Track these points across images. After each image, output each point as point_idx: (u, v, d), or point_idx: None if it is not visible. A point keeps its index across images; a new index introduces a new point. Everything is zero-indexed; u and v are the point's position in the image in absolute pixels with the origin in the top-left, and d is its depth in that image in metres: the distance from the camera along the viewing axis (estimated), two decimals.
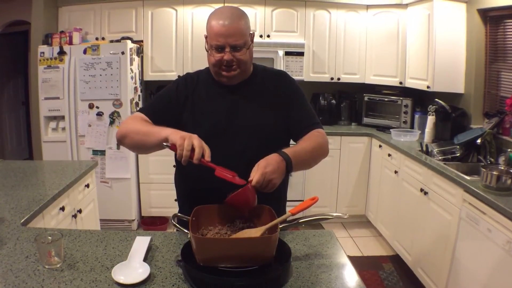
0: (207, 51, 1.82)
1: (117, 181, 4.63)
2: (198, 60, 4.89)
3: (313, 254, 1.70)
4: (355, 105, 5.43)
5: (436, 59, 4.19)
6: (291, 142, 1.94)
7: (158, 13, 4.94)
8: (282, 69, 4.52)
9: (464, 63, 4.21)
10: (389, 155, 4.34)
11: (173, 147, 1.55)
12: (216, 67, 1.82)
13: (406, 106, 4.92)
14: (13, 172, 2.95)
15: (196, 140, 1.52)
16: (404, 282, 3.78)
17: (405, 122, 4.94)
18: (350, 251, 4.37)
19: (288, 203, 2.08)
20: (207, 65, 1.90)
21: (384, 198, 4.51)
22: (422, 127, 4.52)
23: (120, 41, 4.57)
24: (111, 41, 4.66)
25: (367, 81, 5.24)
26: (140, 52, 4.91)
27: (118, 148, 4.53)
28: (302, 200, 1.62)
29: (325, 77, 5.22)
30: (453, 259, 3.06)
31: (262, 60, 4.61)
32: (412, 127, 4.88)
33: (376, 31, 5.08)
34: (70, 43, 4.60)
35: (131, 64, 4.54)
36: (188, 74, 2.02)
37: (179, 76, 4.71)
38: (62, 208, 2.65)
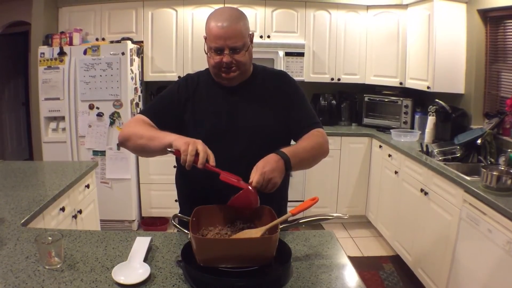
0: (206, 53, 1.82)
1: (117, 182, 4.63)
2: (198, 60, 4.90)
3: (313, 255, 1.70)
4: (355, 105, 5.43)
5: (436, 60, 4.19)
6: (292, 142, 1.94)
7: (158, 14, 4.94)
8: (282, 69, 4.53)
9: (464, 63, 4.21)
10: (390, 155, 4.34)
11: (177, 152, 1.55)
12: (216, 69, 1.82)
13: (406, 106, 4.92)
14: (13, 173, 2.95)
15: (200, 145, 1.53)
16: (405, 283, 3.78)
17: (405, 123, 4.94)
18: (350, 252, 4.37)
19: (288, 204, 2.08)
20: (207, 66, 1.90)
21: (385, 198, 4.51)
22: (422, 127, 4.52)
23: (120, 42, 4.57)
24: (111, 42, 4.66)
25: (367, 82, 5.24)
26: (140, 52, 4.91)
27: (118, 148, 4.53)
28: (303, 201, 1.63)
29: (325, 78, 5.22)
30: (453, 259, 3.06)
31: (262, 60, 4.61)
32: (412, 127, 4.88)
33: (376, 32, 5.08)
34: (70, 43, 4.60)
35: (131, 64, 4.54)
36: (188, 75, 2.02)
37: (179, 76, 4.73)
38: (62, 209, 2.65)
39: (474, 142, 3.63)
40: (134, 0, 4.91)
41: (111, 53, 4.41)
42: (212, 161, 1.54)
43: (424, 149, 3.90)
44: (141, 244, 1.67)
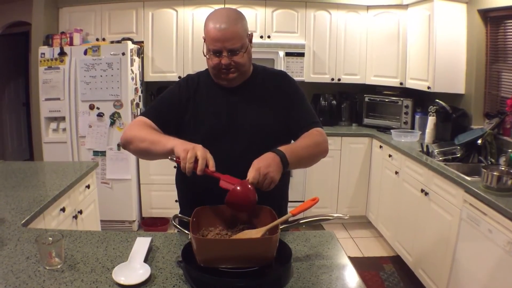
0: (205, 55, 1.82)
1: (118, 182, 4.63)
2: (198, 61, 4.89)
3: (313, 255, 1.70)
4: (355, 105, 5.43)
5: (436, 60, 4.19)
6: (292, 142, 1.94)
7: (159, 14, 4.95)
8: (282, 70, 4.53)
9: (465, 63, 4.21)
10: (390, 155, 4.34)
11: (178, 160, 1.56)
12: (215, 70, 1.82)
13: (406, 106, 4.92)
14: (14, 173, 2.95)
15: (199, 151, 1.53)
16: (405, 283, 3.78)
17: (405, 123, 4.94)
18: (350, 252, 4.37)
19: (288, 204, 2.09)
20: (207, 66, 1.90)
21: (385, 198, 4.51)
22: (423, 127, 4.52)
23: (120, 42, 4.57)
24: (112, 42, 4.66)
25: (367, 82, 5.24)
26: (140, 53, 4.91)
27: (118, 149, 4.53)
28: (303, 201, 1.62)
29: (325, 78, 5.22)
30: (454, 260, 3.06)
31: (263, 60, 4.61)
32: (412, 127, 4.87)
33: (376, 32, 5.08)
34: (71, 44, 4.60)
35: (132, 65, 4.54)
36: (189, 75, 2.02)
37: (179, 77, 4.74)
38: (63, 209, 2.65)
39: (474, 142, 3.63)
40: (135, 1, 4.91)
41: (112, 53, 4.41)
42: (211, 166, 1.54)
43: (425, 149, 3.90)
44: (142, 244, 1.67)
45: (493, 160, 3.50)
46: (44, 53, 4.48)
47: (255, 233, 1.53)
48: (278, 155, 1.64)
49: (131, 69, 4.52)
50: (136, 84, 4.71)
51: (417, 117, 4.80)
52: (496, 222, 2.57)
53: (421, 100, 4.92)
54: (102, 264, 1.59)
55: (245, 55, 1.80)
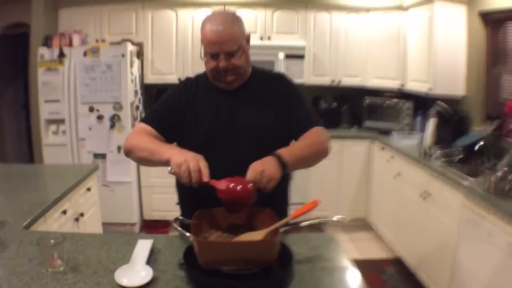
0: (202, 58, 1.83)
1: (119, 185, 4.63)
2: (198, 62, 4.81)
3: (314, 257, 1.70)
4: (356, 108, 5.43)
5: (437, 62, 4.19)
6: (293, 142, 1.95)
7: (158, 16, 4.95)
8: (282, 72, 4.53)
9: (465, 65, 4.21)
10: (390, 158, 4.34)
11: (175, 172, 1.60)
12: (213, 73, 1.83)
13: (407, 109, 4.91)
14: (15, 176, 2.95)
15: (191, 163, 1.54)
16: (406, 286, 3.78)
17: (406, 125, 4.93)
18: (351, 255, 4.35)
19: (289, 206, 2.09)
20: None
21: (385, 201, 4.51)
22: (423, 130, 4.51)
23: (120, 44, 4.57)
24: (111, 44, 4.66)
25: (368, 84, 5.24)
26: (140, 54, 4.91)
27: (119, 151, 4.53)
28: (303, 203, 1.62)
29: (325, 80, 5.22)
30: (454, 262, 3.06)
31: (262, 63, 4.58)
32: (413, 130, 4.87)
33: (377, 34, 5.09)
34: (70, 45, 4.59)
35: (131, 66, 4.54)
36: (187, 78, 2.03)
37: (179, 79, 4.74)
38: (64, 212, 2.65)
39: (475, 145, 3.62)
40: (134, 2, 4.91)
41: (111, 54, 4.42)
42: (205, 177, 1.55)
43: (425, 151, 3.89)
44: (143, 247, 1.67)
45: (493, 163, 3.49)
46: (43, 55, 4.49)
47: (257, 236, 1.53)
48: (274, 156, 1.65)
49: (131, 71, 4.52)
50: (135, 86, 4.71)
51: (417, 119, 4.79)
52: (497, 225, 2.57)
53: (421, 102, 4.91)
54: (104, 266, 1.59)
55: (243, 57, 1.80)
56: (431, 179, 3.47)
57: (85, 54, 4.45)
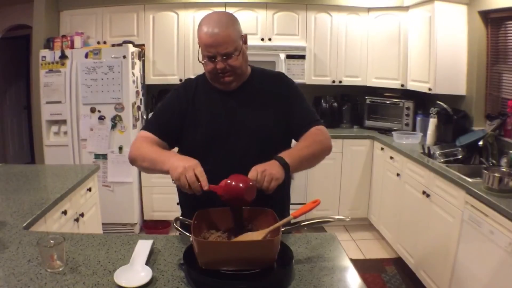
0: (200, 61, 1.83)
1: (119, 185, 4.63)
2: (199, 63, 4.88)
3: (315, 257, 1.70)
4: (357, 108, 5.43)
5: (437, 61, 4.19)
6: (293, 141, 1.95)
7: (160, 17, 4.96)
8: (283, 72, 4.52)
9: (466, 65, 4.21)
10: (391, 157, 4.34)
11: None
12: (211, 75, 1.83)
13: (408, 108, 4.92)
14: (15, 176, 2.95)
15: (188, 173, 1.54)
16: (407, 285, 3.77)
17: (407, 125, 4.94)
18: (352, 254, 4.36)
19: (290, 206, 2.09)
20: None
21: (387, 201, 4.50)
22: (424, 129, 4.51)
23: (121, 45, 4.57)
24: (113, 45, 4.67)
25: (368, 84, 5.24)
26: (141, 56, 4.92)
27: (120, 152, 4.53)
28: (304, 203, 1.62)
29: (326, 80, 5.22)
30: (455, 261, 3.06)
31: (264, 63, 4.61)
32: (414, 129, 4.87)
33: (377, 34, 5.09)
34: (72, 47, 4.60)
35: (133, 68, 4.54)
36: (186, 80, 2.03)
37: (180, 79, 4.75)
38: (64, 212, 2.65)
39: (476, 144, 3.63)
40: (136, 4, 4.92)
41: (113, 56, 4.42)
42: (204, 186, 1.55)
43: (426, 151, 3.89)
44: (143, 247, 1.66)
45: (494, 162, 3.49)
46: (45, 56, 4.49)
47: (257, 236, 1.53)
48: (276, 159, 1.67)
49: (132, 72, 4.53)
50: (137, 87, 4.72)
51: (418, 119, 4.79)
52: (498, 224, 2.57)
53: (422, 102, 4.91)
54: (103, 266, 1.59)
55: (240, 58, 1.80)
56: (432, 178, 3.46)
57: (86, 55, 4.45)
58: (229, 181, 1.56)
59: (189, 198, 1.97)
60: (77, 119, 4.54)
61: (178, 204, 2.07)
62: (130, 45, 4.53)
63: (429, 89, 4.30)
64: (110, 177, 4.60)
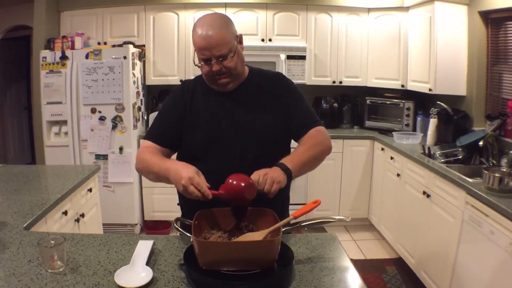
0: (196, 64, 1.83)
1: (120, 185, 4.64)
2: None
3: (315, 258, 1.70)
4: (357, 108, 5.43)
5: (438, 62, 4.19)
6: (292, 142, 1.96)
7: (160, 18, 4.96)
8: (284, 73, 4.53)
9: (466, 65, 4.21)
10: (392, 158, 4.34)
11: None
12: (208, 77, 1.84)
13: (408, 109, 4.92)
14: (16, 177, 2.95)
15: (190, 188, 1.55)
16: (407, 285, 3.77)
17: (407, 125, 4.94)
18: (353, 255, 4.36)
19: (290, 207, 2.09)
20: None
21: (387, 201, 4.50)
22: (424, 129, 4.52)
23: (122, 46, 4.58)
24: (113, 46, 4.67)
25: (369, 84, 5.25)
26: (142, 56, 4.92)
27: (120, 152, 4.53)
28: (305, 204, 1.62)
29: (327, 81, 5.22)
30: (456, 261, 3.06)
31: (264, 64, 4.62)
32: (414, 130, 4.87)
33: (377, 34, 5.09)
34: (72, 47, 4.60)
35: (133, 68, 4.55)
36: (184, 82, 2.04)
37: (181, 80, 4.74)
38: (65, 213, 2.66)
39: (476, 144, 3.63)
40: (136, 4, 4.92)
41: (113, 57, 4.42)
42: (208, 196, 1.56)
43: (426, 151, 3.89)
44: (144, 247, 1.67)
45: (494, 162, 3.50)
46: (45, 57, 4.50)
47: (257, 236, 1.53)
48: (277, 165, 1.68)
49: (133, 73, 4.53)
50: (137, 88, 4.72)
51: (418, 119, 4.80)
52: (498, 224, 2.57)
53: (422, 102, 4.92)
54: (104, 267, 1.59)
55: (235, 58, 1.79)
56: (433, 178, 3.46)
57: (87, 56, 4.46)
58: (230, 181, 1.56)
59: (189, 199, 1.98)
60: (77, 120, 4.55)
61: (178, 204, 2.07)
62: (131, 46, 4.53)
63: (430, 90, 4.30)
64: (111, 177, 4.60)
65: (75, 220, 2.85)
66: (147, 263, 1.57)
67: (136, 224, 4.77)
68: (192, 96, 1.92)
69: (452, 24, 4.17)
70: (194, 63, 1.84)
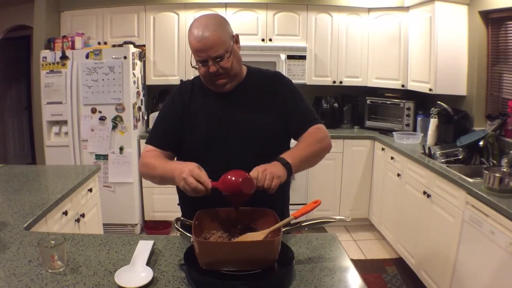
0: (193, 66, 1.83)
1: (120, 186, 4.64)
2: None
3: (316, 258, 1.70)
4: (357, 108, 5.43)
5: (438, 62, 4.19)
6: (292, 141, 1.96)
7: (160, 18, 4.96)
8: (284, 73, 4.53)
9: (466, 65, 4.21)
10: (392, 158, 4.34)
11: None
12: (206, 78, 1.84)
13: (408, 109, 4.92)
14: (16, 177, 2.96)
15: (188, 180, 1.55)
16: (408, 285, 3.77)
17: (407, 125, 4.94)
18: (353, 255, 4.36)
19: (290, 207, 2.09)
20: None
21: (387, 201, 4.50)
22: (425, 129, 4.52)
23: (122, 46, 4.58)
24: (114, 46, 4.67)
25: (369, 84, 5.24)
26: (142, 56, 4.92)
27: (120, 152, 4.53)
28: (305, 204, 1.62)
29: (327, 81, 5.22)
30: (456, 261, 3.06)
31: (264, 64, 4.61)
32: (414, 130, 4.87)
33: (378, 34, 5.09)
34: (73, 47, 4.60)
35: (134, 68, 4.55)
36: (182, 83, 2.03)
37: (181, 80, 4.75)
38: (65, 213, 2.66)
39: (476, 144, 3.63)
40: (136, 4, 4.93)
41: (113, 57, 4.42)
42: (208, 185, 1.56)
43: (427, 151, 3.89)
44: (144, 247, 1.66)
45: (495, 162, 3.49)
46: (46, 57, 4.50)
47: (257, 236, 1.53)
48: (277, 160, 1.68)
49: (133, 73, 4.53)
50: (138, 88, 4.72)
51: (419, 119, 4.80)
52: (499, 224, 2.57)
53: (423, 102, 4.92)
54: (104, 267, 1.59)
55: (231, 59, 1.79)
56: (433, 178, 3.46)
57: (87, 56, 4.46)
58: (228, 177, 1.56)
59: (189, 199, 1.98)
60: (78, 120, 4.55)
61: (178, 204, 2.07)
62: (131, 46, 4.53)
63: (430, 90, 4.30)
64: (111, 177, 4.60)
65: (76, 220, 2.85)
66: (148, 263, 1.57)
67: (137, 224, 4.77)
68: (191, 97, 1.92)
69: (452, 24, 4.17)
70: (191, 65, 1.84)
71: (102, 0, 4.93)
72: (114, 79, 4.44)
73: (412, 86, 4.76)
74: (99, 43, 4.95)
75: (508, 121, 3.63)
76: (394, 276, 3.91)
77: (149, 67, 5.04)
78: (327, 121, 5.10)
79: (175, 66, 5.05)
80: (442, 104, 4.19)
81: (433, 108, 4.32)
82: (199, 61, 1.77)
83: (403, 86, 4.92)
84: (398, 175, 4.16)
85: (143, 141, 4.42)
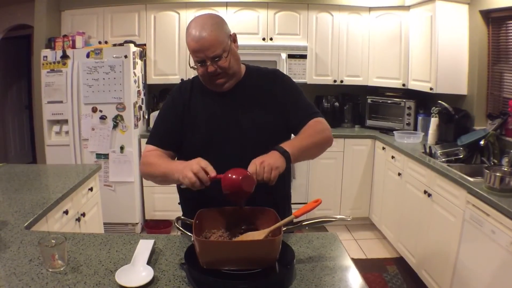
0: (192, 66, 1.83)
1: (121, 185, 4.64)
2: None
3: (316, 257, 1.70)
4: (358, 107, 5.43)
5: (439, 61, 4.19)
6: (292, 137, 1.95)
7: (161, 17, 4.96)
8: (285, 72, 4.52)
9: (467, 64, 4.20)
10: (393, 157, 4.34)
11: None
12: (204, 78, 1.84)
13: (409, 108, 4.92)
14: (17, 176, 2.96)
15: (194, 166, 1.56)
16: (408, 284, 3.77)
17: (408, 124, 4.93)
18: (354, 254, 4.36)
19: (291, 206, 2.09)
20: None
21: (388, 200, 4.50)
22: (425, 129, 4.51)
23: (123, 45, 4.57)
24: (114, 45, 4.67)
25: (370, 84, 5.24)
26: (143, 55, 4.92)
27: (121, 151, 4.53)
28: (306, 203, 1.62)
29: (328, 80, 5.22)
30: (457, 261, 3.06)
31: (265, 63, 4.59)
32: (415, 129, 4.87)
33: (378, 33, 5.08)
34: (73, 47, 4.60)
35: (134, 67, 4.55)
36: (182, 83, 2.04)
37: (182, 79, 4.74)
38: (66, 212, 2.66)
39: (477, 143, 3.62)
40: (137, 3, 4.92)
41: (114, 56, 4.42)
42: (212, 173, 1.57)
43: (427, 150, 3.89)
44: (145, 246, 1.67)
45: (495, 161, 3.49)
46: (46, 56, 4.50)
47: (258, 235, 1.53)
48: (275, 149, 1.67)
49: (134, 72, 4.53)
50: (138, 87, 4.72)
51: (419, 118, 4.80)
52: (499, 223, 2.57)
53: (423, 101, 4.91)
54: (105, 266, 1.59)
55: (229, 58, 1.79)
56: (434, 177, 3.46)
57: (88, 55, 4.45)
58: (229, 175, 1.56)
59: (190, 198, 1.98)
60: (78, 119, 4.55)
61: (179, 203, 2.07)
62: (132, 45, 4.53)
63: (431, 89, 4.30)
64: (112, 176, 4.60)
65: (76, 220, 2.85)
66: (148, 263, 1.57)
67: (137, 223, 4.78)
68: (190, 96, 1.92)
69: (453, 23, 4.16)
70: (190, 65, 1.84)
71: None
72: (114, 78, 4.44)
73: (413, 85, 4.75)
74: (99, 42, 4.95)
75: (509, 120, 3.63)
76: (394, 276, 3.91)
77: (150, 66, 5.04)
78: (327, 120, 4.92)
79: (176, 65, 5.05)
80: (443, 103, 4.18)
81: (433, 107, 4.32)
82: (197, 61, 1.77)
83: (404, 85, 4.92)
84: (399, 174, 4.15)
85: (143, 140, 4.43)
